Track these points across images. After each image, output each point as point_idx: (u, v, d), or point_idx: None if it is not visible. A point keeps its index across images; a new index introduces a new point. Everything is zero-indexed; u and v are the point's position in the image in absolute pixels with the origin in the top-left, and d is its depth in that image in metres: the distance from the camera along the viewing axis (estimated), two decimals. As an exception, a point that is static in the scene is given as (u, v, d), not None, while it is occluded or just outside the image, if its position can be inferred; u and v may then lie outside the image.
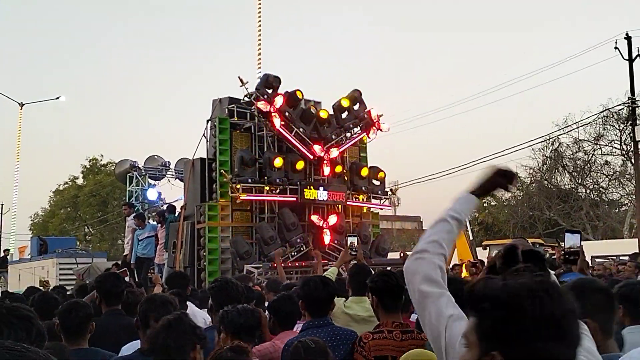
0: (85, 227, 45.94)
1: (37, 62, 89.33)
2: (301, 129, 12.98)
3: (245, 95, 12.69)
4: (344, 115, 13.66)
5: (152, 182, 15.76)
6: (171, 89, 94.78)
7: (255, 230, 12.69)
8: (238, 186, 12.05)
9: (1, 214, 45.31)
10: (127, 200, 15.50)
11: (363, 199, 13.92)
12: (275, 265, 11.41)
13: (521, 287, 1.42)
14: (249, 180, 12.25)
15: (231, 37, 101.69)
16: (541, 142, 33.72)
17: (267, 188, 12.46)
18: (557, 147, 36.05)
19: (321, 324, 4.25)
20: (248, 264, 11.85)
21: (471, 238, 19.54)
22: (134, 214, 13.96)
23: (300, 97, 12.95)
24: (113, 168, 17.17)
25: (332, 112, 13.64)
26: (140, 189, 15.92)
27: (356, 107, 13.77)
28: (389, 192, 14.27)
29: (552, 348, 1.37)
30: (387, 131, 13.91)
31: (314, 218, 12.99)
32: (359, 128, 13.93)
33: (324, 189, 13.07)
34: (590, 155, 35.47)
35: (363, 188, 13.81)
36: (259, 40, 19.91)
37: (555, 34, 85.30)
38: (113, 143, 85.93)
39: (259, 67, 19.55)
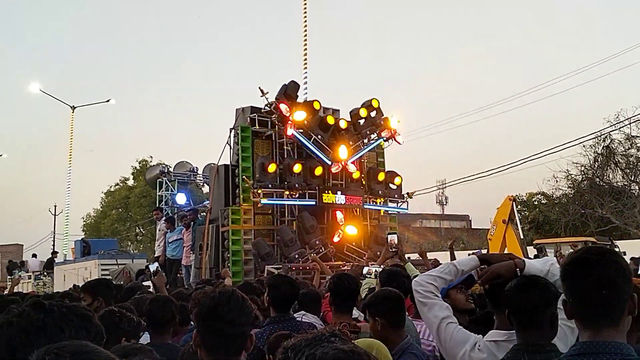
0: (137, 227, 47.84)
1: (88, 66, 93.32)
2: (319, 136, 14.02)
3: (266, 105, 13.80)
4: (362, 122, 14.65)
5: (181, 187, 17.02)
6: (209, 95, 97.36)
7: (276, 232, 13.74)
8: (259, 191, 13.10)
9: (54, 215, 47.88)
10: (157, 205, 16.93)
11: (380, 203, 14.86)
12: (293, 267, 12.61)
13: None
14: (270, 186, 13.25)
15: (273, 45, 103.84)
16: (592, 138, 33.78)
17: (286, 193, 13.46)
18: (609, 143, 35.93)
19: (283, 319, 4.80)
20: (269, 264, 12.93)
21: (522, 237, 19.86)
22: (164, 218, 15.25)
23: (317, 107, 14.00)
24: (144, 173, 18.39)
25: (350, 119, 14.69)
26: (170, 193, 17.16)
27: (373, 114, 14.72)
28: (406, 196, 15.10)
29: None
30: (402, 143, 14.91)
31: (336, 218, 13.99)
32: (375, 135, 14.90)
33: (342, 193, 14.06)
34: (643, 152, 35.28)
35: (380, 192, 14.73)
36: (305, 54, 21.03)
37: (605, 30, 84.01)
38: (162, 144, 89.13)
39: (305, 78, 20.70)
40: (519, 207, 33.92)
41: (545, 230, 39.03)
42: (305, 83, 20.64)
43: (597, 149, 36.14)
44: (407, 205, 15.23)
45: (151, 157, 47.45)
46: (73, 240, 26.60)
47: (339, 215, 14.03)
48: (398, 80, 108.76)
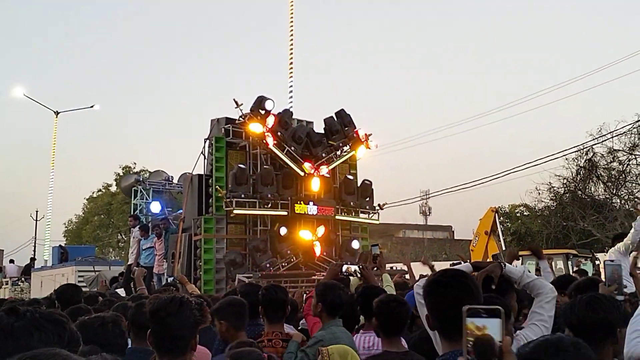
0: (119, 234, 48.04)
1: (71, 71, 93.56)
2: (292, 148, 14.40)
3: (240, 116, 14.20)
4: (335, 135, 15.10)
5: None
6: (194, 104, 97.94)
7: (248, 242, 14.10)
8: (232, 201, 13.56)
9: (36, 220, 47.94)
10: (132, 213, 17.29)
11: (352, 214, 15.26)
12: (263, 273, 12.99)
13: None
14: (242, 196, 13.62)
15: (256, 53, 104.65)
16: (575, 151, 34.35)
17: (259, 203, 13.91)
18: (592, 156, 36.49)
19: (251, 324, 5.11)
20: (240, 273, 13.28)
21: (504, 248, 20.04)
22: (138, 225, 15.61)
23: (289, 118, 14.47)
24: (119, 181, 18.60)
25: (323, 132, 15.14)
26: (145, 201, 17.49)
27: (346, 128, 15.19)
28: (377, 207, 15.51)
29: None
30: (375, 149, 15.36)
31: (304, 232, 14.37)
32: (348, 147, 15.34)
33: (314, 204, 14.45)
34: (625, 165, 35.78)
35: (352, 203, 15.14)
36: (291, 66, 21.47)
37: (588, 44, 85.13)
38: (145, 152, 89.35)
39: (290, 91, 21.11)
40: (501, 218, 34.41)
41: (527, 242, 39.44)
42: (291, 95, 21.12)
43: (579, 162, 36.72)
44: (379, 216, 15.63)
45: (134, 163, 47.79)
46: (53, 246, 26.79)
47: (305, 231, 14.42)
48: (383, 91, 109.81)
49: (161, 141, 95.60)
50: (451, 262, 19.10)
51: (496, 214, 20.66)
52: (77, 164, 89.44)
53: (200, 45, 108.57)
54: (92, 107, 38.87)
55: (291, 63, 22.11)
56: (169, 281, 14.02)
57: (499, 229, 20.69)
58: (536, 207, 40.15)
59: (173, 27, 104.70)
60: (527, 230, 40.48)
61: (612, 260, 4.46)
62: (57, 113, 36.61)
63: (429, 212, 64.56)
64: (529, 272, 3.82)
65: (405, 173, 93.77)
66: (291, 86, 21.45)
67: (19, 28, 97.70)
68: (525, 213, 41.27)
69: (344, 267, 6.93)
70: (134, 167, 46.41)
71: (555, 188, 38.18)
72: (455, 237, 55.36)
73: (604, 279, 4.52)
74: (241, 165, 13.97)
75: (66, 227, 52.41)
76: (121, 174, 44.48)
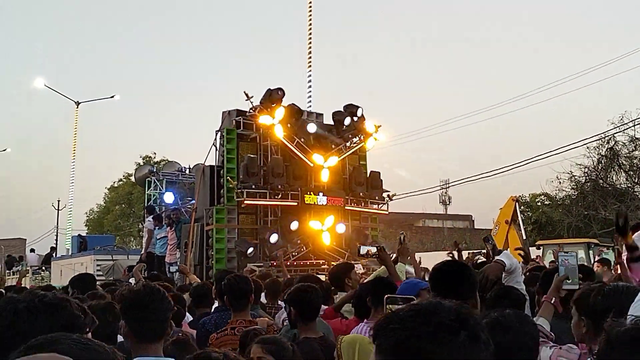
0: (140, 223, 48.60)
1: (92, 62, 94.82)
2: (302, 139, 14.81)
3: (251, 109, 14.61)
4: (344, 126, 15.50)
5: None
6: (211, 95, 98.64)
7: (259, 232, 14.56)
8: (243, 191, 13.99)
9: (58, 210, 48.81)
10: (145, 204, 17.85)
11: (361, 204, 15.65)
12: (275, 264, 13.39)
13: None
14: (253, 186, 14.05)
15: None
16: (596, 140, 34.22)
17: (269, 193, 14.31)
18: (613, 145, 36.37)
19: (226, 309, 5.55)
20: (251, 262, 13.72)
21: (524, 237, 20.21)
22: (152, 215, 16.13)
23: (299, 110, 14.91)
24: (134, 171, 19.10)
25: (332, 124, 15.58)
26: (158, 192, 17.91)
27: (355, 118, 15.55)
28: (386, 198, 15.86)
29: None
30: (383, 140, 15.76)
31: (314, 222, 14.79)
32: (357, 138, 15.73)
33: (324, 195, 14.87)
34: (647, 154, 35.65)
35: (361, 194, 15.54)
36: (309, 61, 21.75)
37: (612, 31, 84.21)
38: (165, 141, 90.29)
39: (309, 83, 21.40)
40: (522, 207, 34.22)
41: (548, 232, 39.45)
42: (310, 88, 21.39)
43: (600, 151, 36.53)
44: (388, 206, 15.99)
45: (154, 153, 48.22)
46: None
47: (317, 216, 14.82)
48: (401, 80, 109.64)
49: (180, 132, 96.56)
50: (471, 251, 19.28)
51: (517, 203, 20.60)
52: (99, 154, 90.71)
53: (219, 38, 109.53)
54: (112, 97, 39.42)
55: (310, 55, 22.31)
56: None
57: (520, 218, 20.63)
58: (557, 196, 40.02)
59: (192, 19, 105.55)
60: (547, 219, 40.35)
61: (566, 252, 4.75)
62: (77, 103, 37.09)
63: (449, 202, 64.73)
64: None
65: (425, 162, 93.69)
66: (310, 79, 21.67)
67: (39, 18, 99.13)
68: (546, 202, 41.16)
69: (363, 249, 6.85)
70: (154, 157, 46.83)
71: (576, 177, 38.02)
72: (475, 227, 55.31)
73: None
74: (252, 157, 14.42)
75: (88, 216, 53.18)
76: (141, 163, 45.00)
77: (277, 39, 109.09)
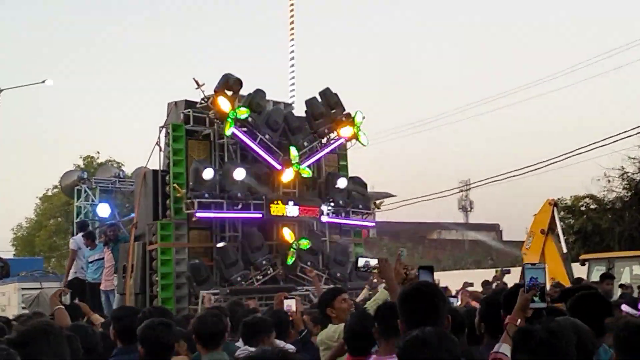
0: (82, 241, 48.46)
1: (17, 40, 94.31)
2: (267, 136, 14.78)
3: (202, 99, 14.58)
4: (318, 118, 15.54)
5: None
6: (162, 87, 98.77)
7: (215, 251, 14.55)
8: (193, 202, 13.98)
9: (-24, 227, 48.84)
10: (75, 218, 17.98)
11: (342, 215, 15.74)
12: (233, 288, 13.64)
13: None
14: (206, 195, 13.92)
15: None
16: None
17: (227, 203, 14.30)
18: (676, 135, 36.43)
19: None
20: (206, 289, 13.91)
21: (565, 251, 20.28)
22: (81, 233, 16.32)
23: (264, 97, 15.05)
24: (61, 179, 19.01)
25: (305, 115, 15.64)
26: (90, 203, 18.01)
27: (333, 110, 15.65)
28: (373, 206, 16.14)
29: None
30: (366, 145, 15.94)
31: (284, 235, 14.91)
32: (335, 134, 15.79)
33: (295, 204, 14.84)
34: None
35: (341, 202, 15.56)
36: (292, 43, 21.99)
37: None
38: (112, 137, 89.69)
39: (292, 72, 21.64)
40: (561, 213, 34.27)
41: (594, 243, 39.21)
42: (292, 77, 21.65)
43: (661, 142, 36.56)
44: (374, 217, 16.24)
45: (98, 153, 48.17)
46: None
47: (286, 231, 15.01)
48: (409, 65, 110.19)
49: (131, 126, 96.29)
50: (498, 269, 19.45)
51: (555, 208, 20.56)
52: (28, 155, 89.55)
53: (174, 17, 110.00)
54: (43, 82, 39.30)
55: (292, 41, 22.60)
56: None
57: (559, 227, 20.71)
58: (605, 199, 40.03)
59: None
60: (594, 227, 40.12)
61: (533, 264, 4.98)
62: (-1, 90, 37.04)
63: (470, 208, 64.93)
64: None
65: (438, 160, 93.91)
66: (292, 69, 21.93)
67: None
68: (591, 206, 41.14)
69: (361, 261, 6.88)
70: (97, 158, 46.96)
71: (629, 174, 38.00)
72: (504, 238, 55.62)
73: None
74: (203, 158, 14.45)
75: (15, 233, 52.60)
76: (82, 165, 44.91)
77: (250, 18, 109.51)
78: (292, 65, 22.79)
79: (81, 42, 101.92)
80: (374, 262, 6.73)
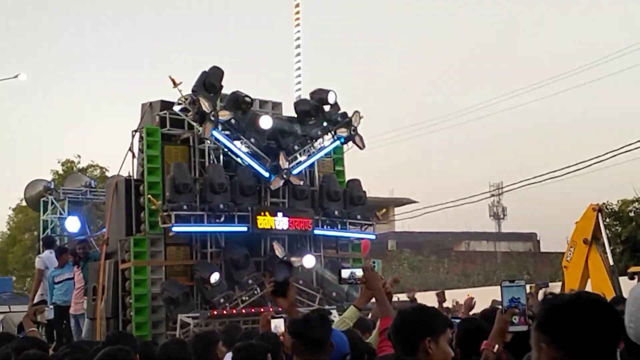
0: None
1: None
2: (253, 140, 15.24)
3: (179, 99, 14.85)
4: (310, 119, 15.98)
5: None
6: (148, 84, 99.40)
7: (195, 270, 14.86)
8: (171, 215, 14.34)
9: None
10: (41, 233, 18.32)
11: (337, 227, 16.19)
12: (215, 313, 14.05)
13: None
14: (185, 207, 14.29)
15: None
16: None
17: (208, 216, 14.65)
18: None
19: None
20: (185, 312, 14.29)
21: (611, 263, 20.31)
22: (48, 250, 16.70)
23: (249, 101, 15.39)
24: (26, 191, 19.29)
25: (296, 115, 16.05)
26: (59, 217, 18.36)
27: (327, 108, 16.06)
28: (374, 216, 16.46)
29: None
30: (363, 148, 16.32)
31: (271, 253, 15.18)
32: (331, 135, 16.19)
33: (284, 215, 15.23)
34: None
35: (337, 212, 15.95)
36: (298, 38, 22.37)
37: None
38: (94, 140, 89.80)
39: (298, 70, 22.00)
40: (607, 220, 34.47)
41: (646, 252, 39.61)
42: (299, 75, 22.00)
43: None
44: (374, 229, 16.59)
45: (78, 156, 48.52)
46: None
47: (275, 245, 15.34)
48: (429, 55, 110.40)
49: (115, 127, 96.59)
50: (535, 284, 19.54)
51: (600, 214, 20.56)
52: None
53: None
54: (16, 77, 39.93)
55: (298, 36, 22.94)
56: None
57: (605, 235, 20.70)
58: (657, 200, 40.34)
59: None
60: (645, 236, 40.43)
61: (511, 281, 5.12)
62: (-34, 86, 37.48)
63: (503, 215, 64.69)
64: None
65: (465, 161, 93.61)
66: (299, 66, 22.31)
67: None
68: (641, 211, 41.42)
69: (345, 272, 6.92)
70: (78, 162, 47.38)
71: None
72: (542, 249, 55.56)
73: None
74: (181, 166, 14.79)
75: (-15, 249, 52.13)
76: (61, 172, 45.32)
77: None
78: (298, 61, 22.96)
79: (57, 35, 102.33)
80: (359, 272, 6.77)
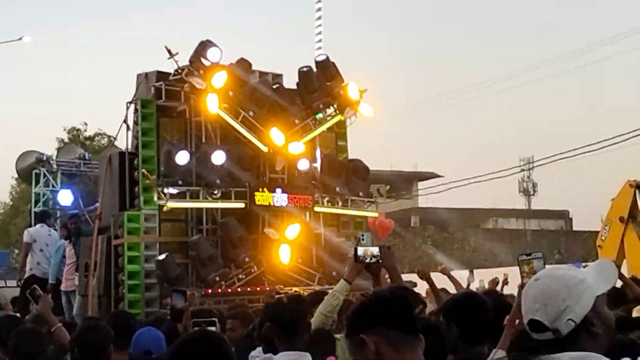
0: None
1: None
2: (251, 113, 15.35)
3: (176, 70, 15.08)
4: (313, 92, 16.10)
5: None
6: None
7: (190, 246, 15.10)
8: (165, 190, 14.57)
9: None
10: (33, 206, 18.48)
11: (338, 204, 16.44)
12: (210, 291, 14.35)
13: None
14: (180, 182, 14.54)
15: None
16: None
17: (204, 192, 14.96)
18: None
19: None
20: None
21: None
22: (39, 224, 16.99)
23: (248, 71, 15.58)
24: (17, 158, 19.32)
25: (297, 87, 16.20)
26: (51, 190, 18.46)
27: (329, 83, 16.18)
28: (376, 193, 16.64)
29: None
30: (370, 116, 16.44)
31: (270, 230, 15.48)
32: (332, 108, 16.40)
33: (283, 191, 15.44)
34: None
35: (338, 189, 16.18)
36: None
37: None
38: (102, 106, 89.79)
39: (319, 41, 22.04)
40: (645, 197, 34.27)
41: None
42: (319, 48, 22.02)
43: None
44: (376, 207, 16.78)
45: (85, 124, 48.63)
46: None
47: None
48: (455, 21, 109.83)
49: (123, 91, 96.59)
50: (571, 263, 19.42)
51: (637, 191, 20.42)
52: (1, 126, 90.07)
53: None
54: (20, 39, 40.26)
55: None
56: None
57: None
58: None
59: None
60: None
61: (528, 254, 5.39)
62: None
63: (534, 191, 64.23)
64: None
65: (493, 133, 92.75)
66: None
67: None
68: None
69: (360, 250, 6.94)
70: (84, 130, 47.61)
71: None
72: (574, 228, 55.31)
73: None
74: (177, 140, 15.13)
75: (-15, 223, 51.76)
76: (67, 140, 45.42)
77: None
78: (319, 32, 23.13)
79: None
80: (374, 250, 6.89)
